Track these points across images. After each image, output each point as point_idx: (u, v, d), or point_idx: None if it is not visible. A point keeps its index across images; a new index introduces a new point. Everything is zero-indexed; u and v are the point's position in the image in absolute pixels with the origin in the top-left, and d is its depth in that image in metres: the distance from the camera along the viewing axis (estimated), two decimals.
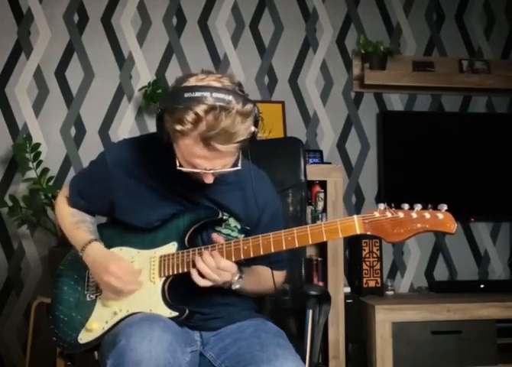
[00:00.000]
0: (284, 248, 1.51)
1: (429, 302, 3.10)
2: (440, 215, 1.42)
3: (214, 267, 1.50)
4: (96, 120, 3.21)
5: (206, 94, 1.40)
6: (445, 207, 1.42)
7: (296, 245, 1.50)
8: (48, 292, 2.85)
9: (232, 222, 1.69)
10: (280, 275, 1.77)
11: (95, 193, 1.72)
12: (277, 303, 2.03)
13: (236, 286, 1.58)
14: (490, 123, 3.53)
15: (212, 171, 1.50)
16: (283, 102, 3.33)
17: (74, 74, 3.20)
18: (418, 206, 1.43)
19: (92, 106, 3.21)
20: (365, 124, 3.48)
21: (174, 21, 3.32)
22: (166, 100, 1.48)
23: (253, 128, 1.49)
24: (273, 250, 1.51)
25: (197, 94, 1.41)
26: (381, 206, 1.45)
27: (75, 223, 1.71)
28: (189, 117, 1.40)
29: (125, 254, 1.65)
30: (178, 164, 1.52)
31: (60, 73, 3.19)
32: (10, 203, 2.87)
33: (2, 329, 3.05)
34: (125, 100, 3.24)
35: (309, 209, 3.04)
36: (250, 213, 1.70)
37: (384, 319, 2.99)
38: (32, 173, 2.90)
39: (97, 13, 3.24)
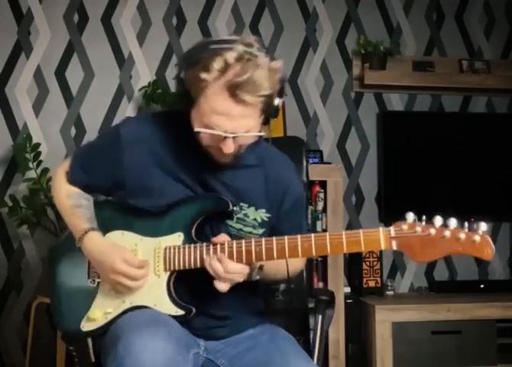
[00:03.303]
0: (300, 255, 1.40)
1: (429, 302, 3.11)
2: (477, 238, 1.27)
3: (222, 272, 1.41)
4: (96, 120, 3.21)
5: (235, 45, 1.37)
6: (483, 227, 1.27)
7: (314, 254, 1.39)
8: (48, 292, 2.85)
9: (252, 213, 1.56)
10: (300, 261, 1.65)
11: (101, 167, 1.58)
12: (276, 303, 2.02)
13: (257, 277, 1.48)
14: (490, 123, 3.53)
15: (232, 135, 1.39)
16: (283, 102, 3.32)
17: (74, 74, 3.20)
18: (452, 223, 1.28)
19: (92, 106, 3.21)
20: (365, 124, 3.48)
21: (174, 21, 3.32)
22: (189, 53, 1.43)
23: (277, 100, 1.44)
24: (287, 256, 1.40)
25: (225, 45, 1.38)
26: (410, 217, 1.30)
27: (70, 207, 1.59)
28: (217, 64, 1.35)
29: (128, 239, 1.54)
30: (196, 127, 1.41)
31: (60, 73, 3.19)
32: (10, 203, 2.87)
33: (2, 329, 3.05)
34: (125, 100, 3.24)
35: (309, 209, 3.04)
36: (270, 199, 1.58)
37: (384, 319, 2.99)
38: (32, 173, 2.90)
39: (97, 13, 3.24)
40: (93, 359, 1.64)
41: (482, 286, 3.35)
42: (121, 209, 1.58)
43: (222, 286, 1.43)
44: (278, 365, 1.43)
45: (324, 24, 3.47)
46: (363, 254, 3.19)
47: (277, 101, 1.45)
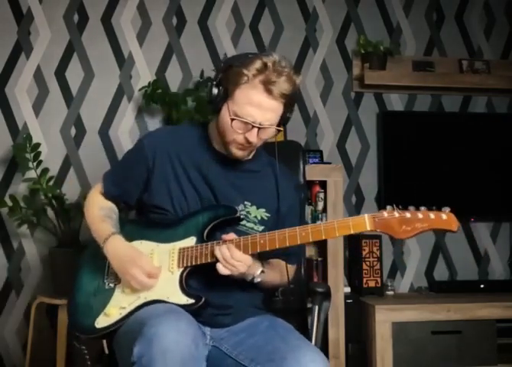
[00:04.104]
0: (299, 242, 1.61)
1: (429, 302, 3.11)
2: (444, 216, 1.53)
3: (229, 257, 1.59)
4: (96, 120, 3.21)
5: (271, 55, 1.68)
6: (448, 209, 1.54)
7: (310, 240, 1.61)
8: (48, 292, 2.86)
9: (253, 211, 1.78)
10: (292, 268, 1.88)
11: (131, 177, 1.80)
12: (275, 303, 2.04)
13: (258, 279, 1.68)
14: (490, 123, 3.53)
15: (260, 126, 1.66)
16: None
17: (74, 74, 3.20)
18: (423, 208, 1.55)
19: (92, 106, 3.21)
20: (365, 124, 3.48)
21: (174, 21, 3.32)
22: (231, 59, 1.73)
23: (289, 113, 1.75)
24: (288, 244, 1.61)
25: (262, 54, 1.69)
26: (389, 207, 1.57)
27: (101, 216, 1.78)
28: (257, 64, 1.64)
29: (145, 246, 1.72)
30: (230, 115, 1.67)
31: (60, 73, 3.19)
32: (10, 203, 2.87)
33: (2, 329, 3.05)
34: (125, 100, 3.24)
35: (309, 209, 3.04)
36: (269, 200, 1.81)
37: (384, 319, 2.99)
38: (32, 173, 2.90)
39: (97, 13, 3.24)
40: (107, 351, 1.72)
41: (482, 286, 3.35)
42: (138, 224, 1.83)
43: (224, 270, 1.60)
44: (279, 348, 1.54)
45: (324, 24, 3.47)
46: (363, 254, 3.20)
47: (289, 113, 1.75)
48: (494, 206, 3.47)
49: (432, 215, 1.53)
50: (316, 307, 1.83)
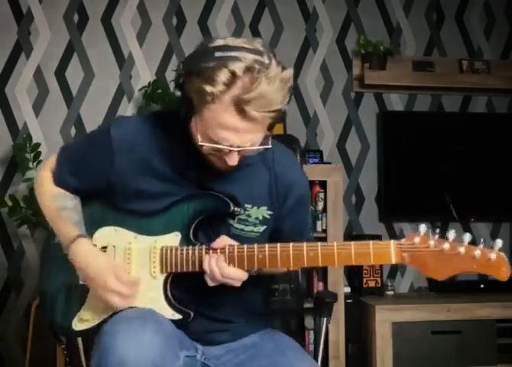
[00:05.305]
0: (306, 264, 1.33)
1: (429, 302, 3.10)
2: (493, 256, 1.19)
3: (219, 275, 1.35)
4: (96, 120, 3.21)
5: (243, 53, 1.24)
6: (499, 244, 1.21)
7: (320, 264, 1.32)
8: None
9: (254, 212, 1.48)
10: None
11: (91, 169, 1.48)
12: (274, 303, 2.03)
13: (252, 273, 1.42)
14: (490, 123, 3.53)
15: (239, 149, 1.30)
16: None
17: (74, 74, 3.20)
18: (466, 238, 1.21)
19: (92, 106, 3.21)
20: (365, 124, 3.48)
21: (174, 21, 3.32)
22: (192, 60, 1.29)
23: (287, 100, 1.33)
24: (292, 265, 1.33)
25: (232, 53, 1.24)
26: (423, 228, 1.24)
27: (55, 210, 1.50)
28: (223, 76, 1.22)
29: (121, 236, 1.47)
30: (200, 140, 1.30)
31: (60, 73, 3.19)
32: (10, 203, 2.87)
33: (2, 329, 3.05)
34: (125, 100, 3.24)
35: None
36: (273, 196, 1.50)
37: (384, 319, 2.99)
38: (32, 173, 2.90)
39: (97, 13, 3.24)
40: (84, 364, 1.62)
41: (482, 286, 3.34)
42: (111, 205, 1.50)
43: (212, 283, 1.38)
44: None
45: (324, 24, 3.47)
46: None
47: (284, 106, 1.33)
48: (494, 206, 3.46)
49: (477, 252, 1.19)
50: (324, 319, 1.72)
